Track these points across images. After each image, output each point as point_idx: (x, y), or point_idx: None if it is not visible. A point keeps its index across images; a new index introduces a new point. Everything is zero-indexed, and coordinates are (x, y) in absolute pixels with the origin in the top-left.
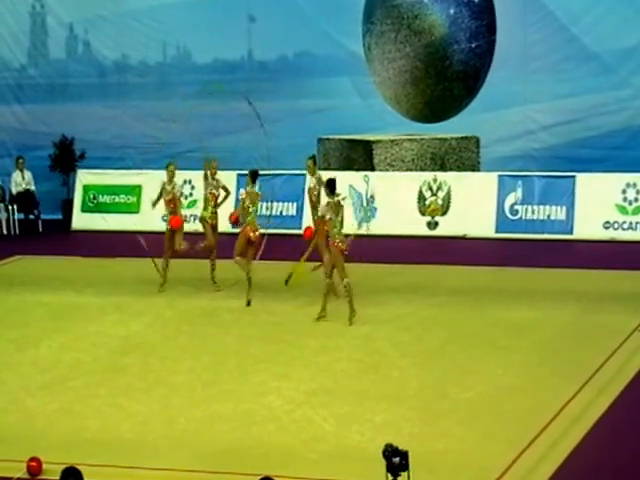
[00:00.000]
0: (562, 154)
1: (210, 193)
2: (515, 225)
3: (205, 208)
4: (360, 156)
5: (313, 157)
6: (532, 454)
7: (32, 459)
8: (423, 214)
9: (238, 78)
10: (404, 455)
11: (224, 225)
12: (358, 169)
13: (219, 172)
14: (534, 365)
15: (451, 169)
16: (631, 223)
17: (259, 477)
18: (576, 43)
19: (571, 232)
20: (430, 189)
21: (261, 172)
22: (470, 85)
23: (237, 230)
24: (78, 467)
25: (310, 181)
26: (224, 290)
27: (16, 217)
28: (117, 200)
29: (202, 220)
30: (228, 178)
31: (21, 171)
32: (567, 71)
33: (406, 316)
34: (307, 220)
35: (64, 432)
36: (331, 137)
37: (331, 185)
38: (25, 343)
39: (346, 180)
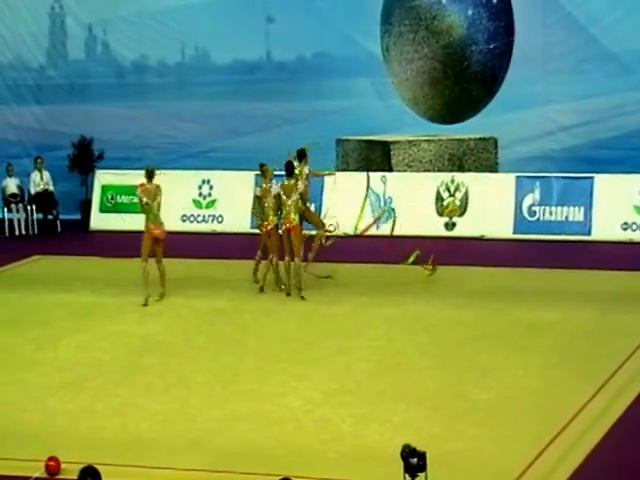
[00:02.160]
0: (581, 155)
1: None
2: (533, 226)
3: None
4: (378, 157)
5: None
6: (551, 455)
7: (50, 458)
8: (441, 215)
9: (257, 79)
10: (422, 456)
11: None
12: (376, 170)
13: (238, 172)
14: (553, 366)
15: (469, 170)
16: None
17: (278, 477)
18: (595, 44)
19: (589, 233)
20: (448, 190)
21: (281, 173)
22: (488, 86)
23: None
24: (97, 466)
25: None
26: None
27: (35, 217)
28: (136, 200)
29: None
30: (246, 179)
31: (40, 171)
32: (586, 72)
33: (425, 317)
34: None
35: (83, 431)
36: (350, 138)
37: (289, 168)
38: (44, 343)
39: (364, 181)
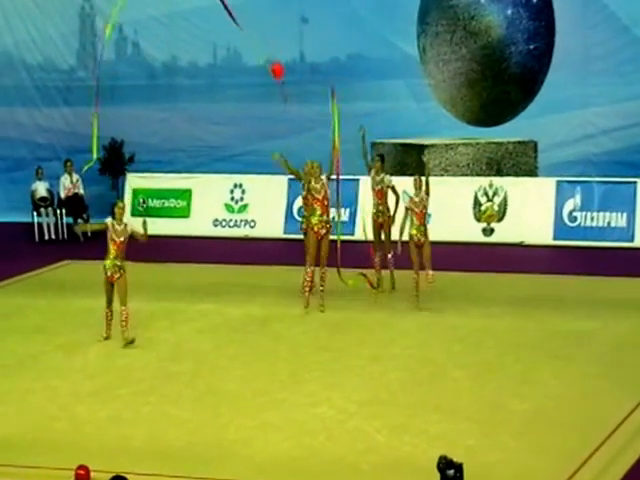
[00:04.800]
0: (623, 159)
1: (312, 197)
2: (574, 232)
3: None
4: (414, 161)
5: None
6: (591, 468)
7: (80, 467)
8: (478, 220)
9: (289, 80)
10: (459, 467)
11: None
12: (411, 174)
13: (271, 176)
14: (593, 376)
15: (508, 174)
16: None
17: None
18: (639, 45)
19: (632, 240)
20: (486, 195)
21: None
22: (528, 88)
23: None
24: (126, 475)
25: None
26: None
27: (64, 221)
28: (167, 204)
29: (307, 228)
30: (279, 182)
31: (69, 174)
32: (629, 73)
33: (461, 326)
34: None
35: (113, 440)
36: (384, 141)
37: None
38: (74, 349)
39: (399, 185)
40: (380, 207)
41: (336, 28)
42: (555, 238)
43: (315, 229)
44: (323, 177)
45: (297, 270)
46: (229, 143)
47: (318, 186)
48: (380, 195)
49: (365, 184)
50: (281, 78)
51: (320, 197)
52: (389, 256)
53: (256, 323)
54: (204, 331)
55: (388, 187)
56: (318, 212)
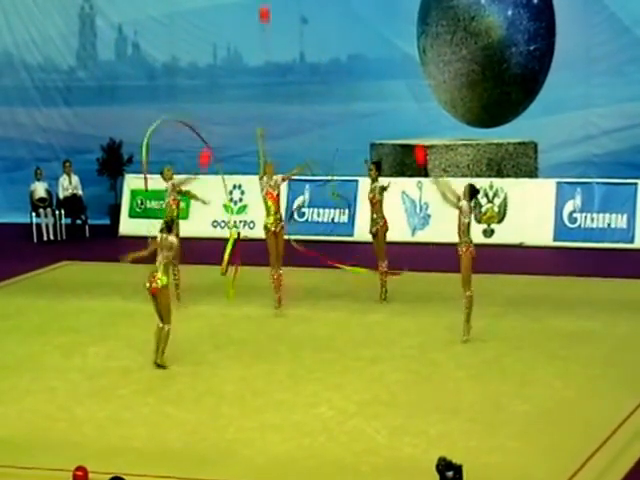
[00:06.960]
0: (624, 160)
1: (268, 194)
2: (574, 233)
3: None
4: (414, 161)
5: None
6: (592, 469)
7: (78, 468)
8: (479, 222)
9: (290, 81)
10: (458, 469)
11: None
12: (412, 175)
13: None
14: (594, 377)
15: (508, 175)
16: None
17: None
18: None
19: (632, 241)
20: (486, 196)
21: (312, 178)
22: (528, 89)
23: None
24: (125, 476)
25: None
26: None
27: (63, 222)
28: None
29: (265, 228)
30: None
31: (68, 175)
32: (630, 74)
33: (461, 326)
34: (358, 227)
35: (111, 441)
36: (384, 142)
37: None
38: (72, 350)
39: (399, 186)
40: (374, 215)
41: (336, 28)
42: (555, 239)
43: (272, 228)
44: (276, 177)
45: (296, 271)
46: (229, 144)
47: (272, 183)
48: (373, 203)
49: (365, 185)
50: (267, 21)
51: (275, 194)
52: (383, 265)
53: (255, 323)
54: (203, 332)
55: (380, 194)
56: (273, 210)
